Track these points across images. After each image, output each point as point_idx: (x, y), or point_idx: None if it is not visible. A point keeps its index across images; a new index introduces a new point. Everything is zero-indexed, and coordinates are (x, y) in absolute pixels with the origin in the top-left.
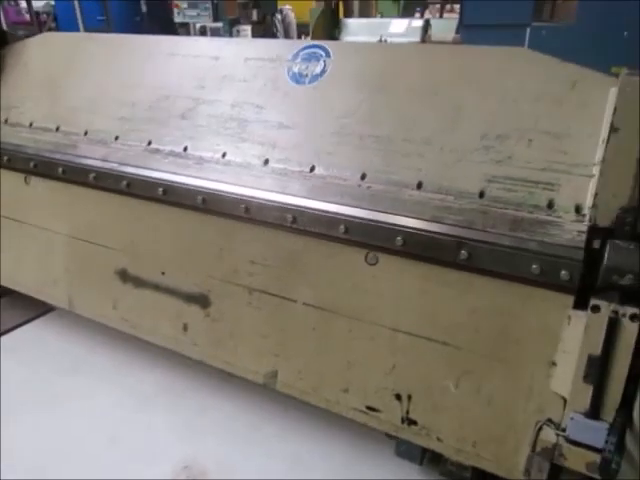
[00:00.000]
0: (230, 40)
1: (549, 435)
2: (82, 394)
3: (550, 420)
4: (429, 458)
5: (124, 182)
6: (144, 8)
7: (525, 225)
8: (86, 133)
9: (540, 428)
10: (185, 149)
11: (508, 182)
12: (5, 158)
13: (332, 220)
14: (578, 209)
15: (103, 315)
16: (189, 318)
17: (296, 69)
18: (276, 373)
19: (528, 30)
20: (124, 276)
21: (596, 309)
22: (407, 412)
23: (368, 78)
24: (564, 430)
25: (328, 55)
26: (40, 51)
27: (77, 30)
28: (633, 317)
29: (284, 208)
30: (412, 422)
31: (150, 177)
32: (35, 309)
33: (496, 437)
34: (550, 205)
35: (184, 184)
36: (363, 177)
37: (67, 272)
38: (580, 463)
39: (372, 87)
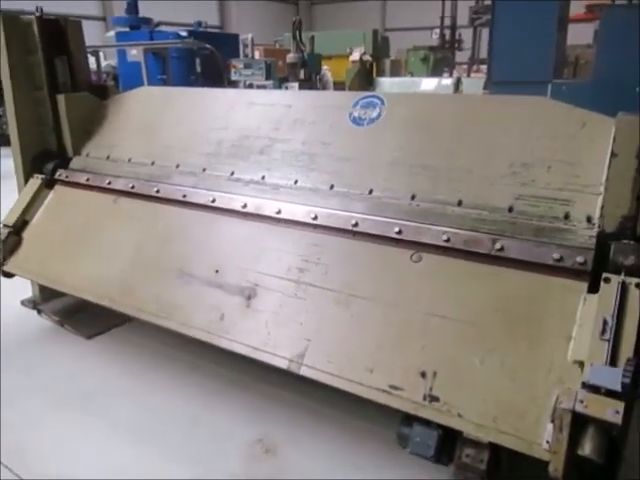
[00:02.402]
0: (301, 92)
1: (569, 393)
2: (166, 385)
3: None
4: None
5: (210, 198)
6: (199, 68)
7: (546, 232)
8: (178, 166)
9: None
10: (263, 177)
11: (532, 199)
12: (107, 181)
13: (388, 223)
14: (589, 219)
15: (141, 309)
16: (229, 309)
17: (356, 114)
18: (302, 357)
19: (549, 86)
20: (177, 274)
21: (607, 280)
22: (430, 389)
23: (416, 120)
24: (583, 385)
25: (383, 103)
26: (137, 101)
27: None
28: (638, 285)
29: (348, 216)
30: (434, 399)
31: (233, 195)
32: (118, 318)
33: (517, 410)
34: (566, 216)
35: (263, 201)
36: (413, 197)
37: (120, 272)
38: (601, 409)
39: (419, 127)
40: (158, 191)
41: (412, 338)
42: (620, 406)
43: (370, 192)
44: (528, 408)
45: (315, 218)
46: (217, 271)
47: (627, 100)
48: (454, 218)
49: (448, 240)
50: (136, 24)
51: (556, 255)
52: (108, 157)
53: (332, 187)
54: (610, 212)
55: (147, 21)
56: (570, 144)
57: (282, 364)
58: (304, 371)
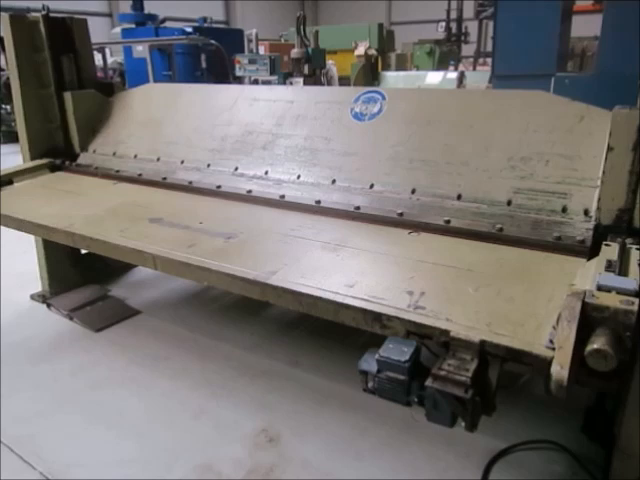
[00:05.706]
0: (303, 87)
1: (578, 292)
2: (172, 376)
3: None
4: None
5: (216, 184)
6: (204, 64)
7: (544, 225)
8: (182, 162)
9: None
10: (266, 173)
11: (530, 193)
12: (115, 169)
13: (390, 207)
14: (586, 212)
15: (100, 234)
16: (202, 241)
17: (357, 109)
18: (274, 273)
19: (553, 79)
20: (155, 220)
21: (608, 245)
22: (416, 302)
23: (416, 115)
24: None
25: (384, 98)
26: (143, 98)
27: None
28: (638, 249)
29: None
30: (419, 307)
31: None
32: (126, 311)
33: (515, 321)
34: (564, 210)
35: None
36: (413, 192)
37: (91, 214)
38: (613, 300)
39: (419, 122)
40: (165, 178)
41: (400, 272)
42: (635, 300)
43: (371, 186)
44: (527, 320)
45: (318, 202)
46: (201, 222)
47: (629, 93)
48: (454, 211)
49: (448, 222)
50: (142, 20)
51: (556, 234)
52: (114, 153)
53: (334, 182)
54: (606, 205)
55: (153, 17)
56: (568, 137)
57: (248, 275)
58: (272, 280)
